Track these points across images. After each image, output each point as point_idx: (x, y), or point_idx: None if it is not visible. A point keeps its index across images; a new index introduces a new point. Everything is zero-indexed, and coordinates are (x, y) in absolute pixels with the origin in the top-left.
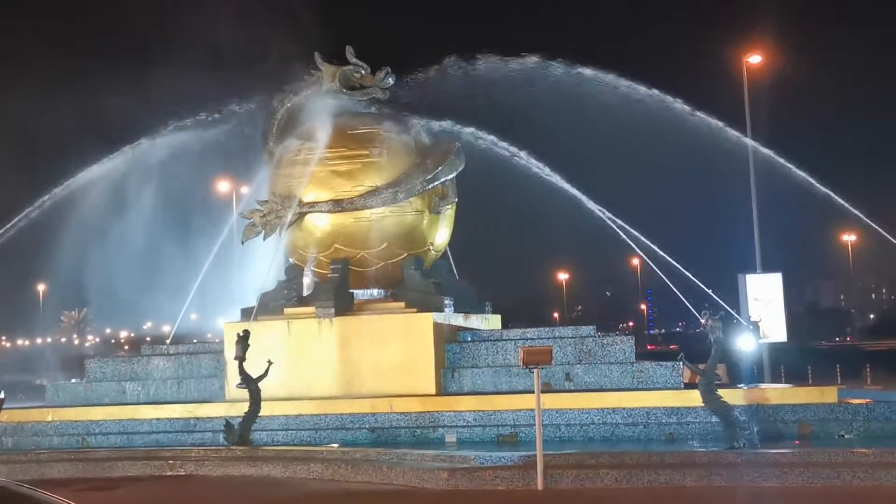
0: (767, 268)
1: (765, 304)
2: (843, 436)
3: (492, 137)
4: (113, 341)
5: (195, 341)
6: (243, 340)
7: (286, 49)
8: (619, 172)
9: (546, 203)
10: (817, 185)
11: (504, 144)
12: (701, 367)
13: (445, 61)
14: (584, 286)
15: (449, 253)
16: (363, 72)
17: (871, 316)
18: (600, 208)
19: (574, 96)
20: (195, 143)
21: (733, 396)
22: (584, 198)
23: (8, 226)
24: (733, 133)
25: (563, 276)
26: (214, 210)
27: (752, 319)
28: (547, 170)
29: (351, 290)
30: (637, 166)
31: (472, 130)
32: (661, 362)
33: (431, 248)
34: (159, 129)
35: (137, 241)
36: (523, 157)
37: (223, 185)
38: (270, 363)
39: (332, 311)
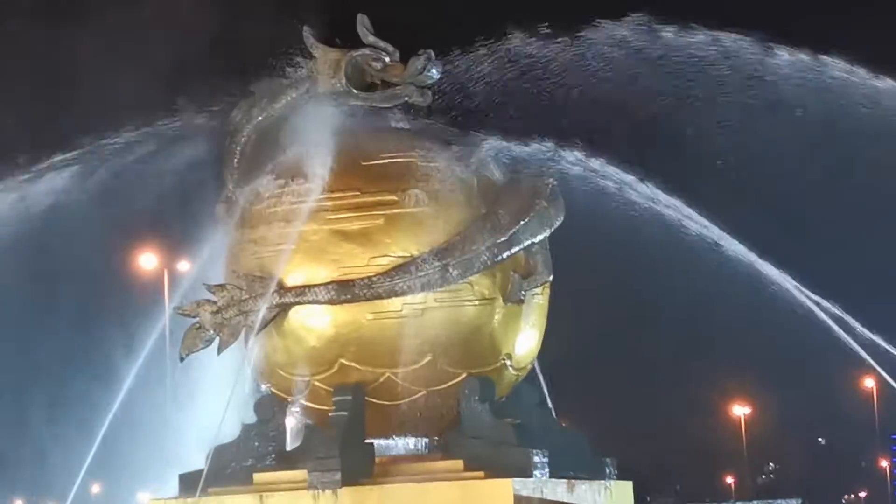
0: None
1: None
2: None
3: (610, 167)
4: None
5: None
6: None
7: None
8: (833, 226)
9: (708, 283)
10: None
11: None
12: None
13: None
14: (779, 428)
15: (539, 372)
16: (387, 58)
17: None
18: (805, 290)
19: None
20: (94, 185)
21: None
22: (777, 273)
23: None
24: None
25: (740, 411)
26: (132, 302)
27: None
28: (709, 225)
29: (370, 440)
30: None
31: (577, 155)
32: None
33: (508, 363)
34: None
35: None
36: (662, 200)
37: (147, 259)
38: None
39: (338, 475)
